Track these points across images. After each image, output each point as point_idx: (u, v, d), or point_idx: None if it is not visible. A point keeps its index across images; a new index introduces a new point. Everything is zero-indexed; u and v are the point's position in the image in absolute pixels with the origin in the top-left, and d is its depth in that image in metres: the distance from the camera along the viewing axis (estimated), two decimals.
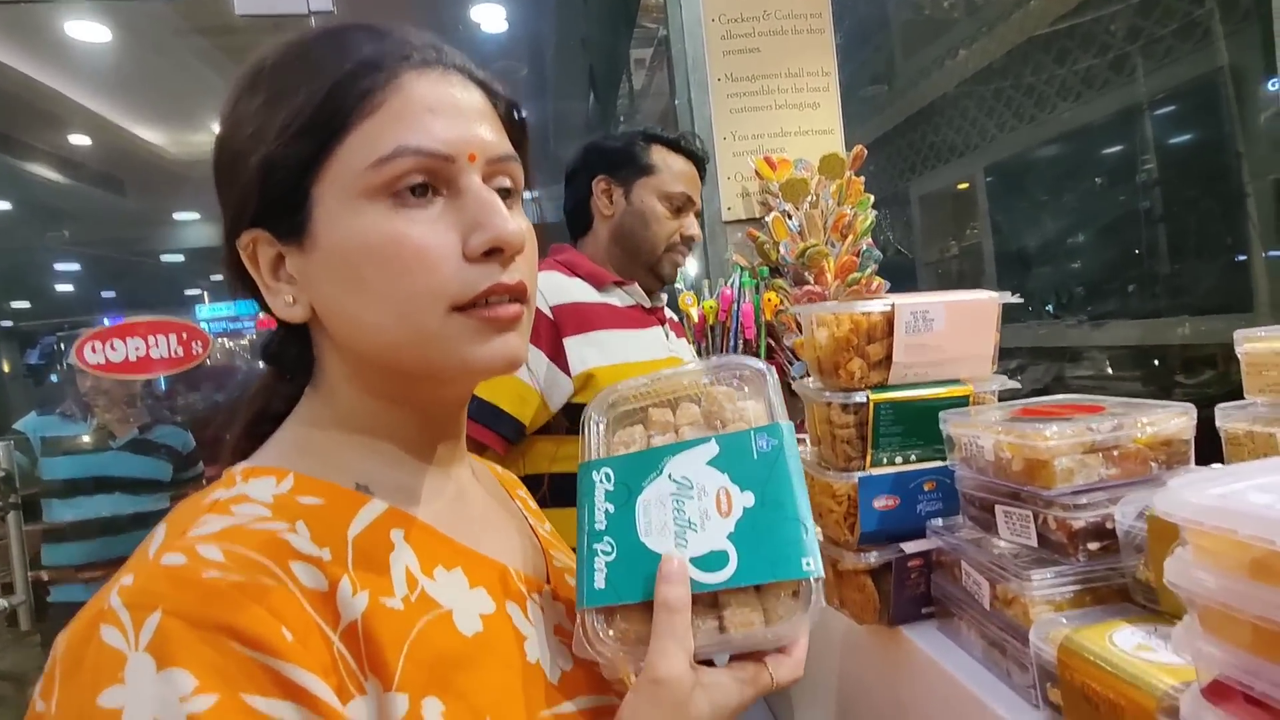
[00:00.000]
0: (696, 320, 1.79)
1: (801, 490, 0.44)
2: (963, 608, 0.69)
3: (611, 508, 0.47)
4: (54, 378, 3.51)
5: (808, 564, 0.42)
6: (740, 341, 1.76)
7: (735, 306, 1.76)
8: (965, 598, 0.68)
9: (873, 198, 1.84)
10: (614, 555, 0.45)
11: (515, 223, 0.44)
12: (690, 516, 0.44)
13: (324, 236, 0.43)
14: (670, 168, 1.30)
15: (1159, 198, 2.94)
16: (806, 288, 1.73)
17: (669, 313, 1.42)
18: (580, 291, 1.23)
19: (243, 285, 0.48)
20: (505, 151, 0.46)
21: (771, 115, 1.98)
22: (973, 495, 0.69)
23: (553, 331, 1.14)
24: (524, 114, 0.50)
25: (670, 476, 0.46)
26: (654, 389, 0.53)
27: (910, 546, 0.74)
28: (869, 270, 1.78)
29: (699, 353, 1.72)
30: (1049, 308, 3.38)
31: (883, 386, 0.75)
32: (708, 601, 0.43)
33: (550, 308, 1.15)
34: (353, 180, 0.42)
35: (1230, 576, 0.34)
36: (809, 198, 1.81)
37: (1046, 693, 0.55)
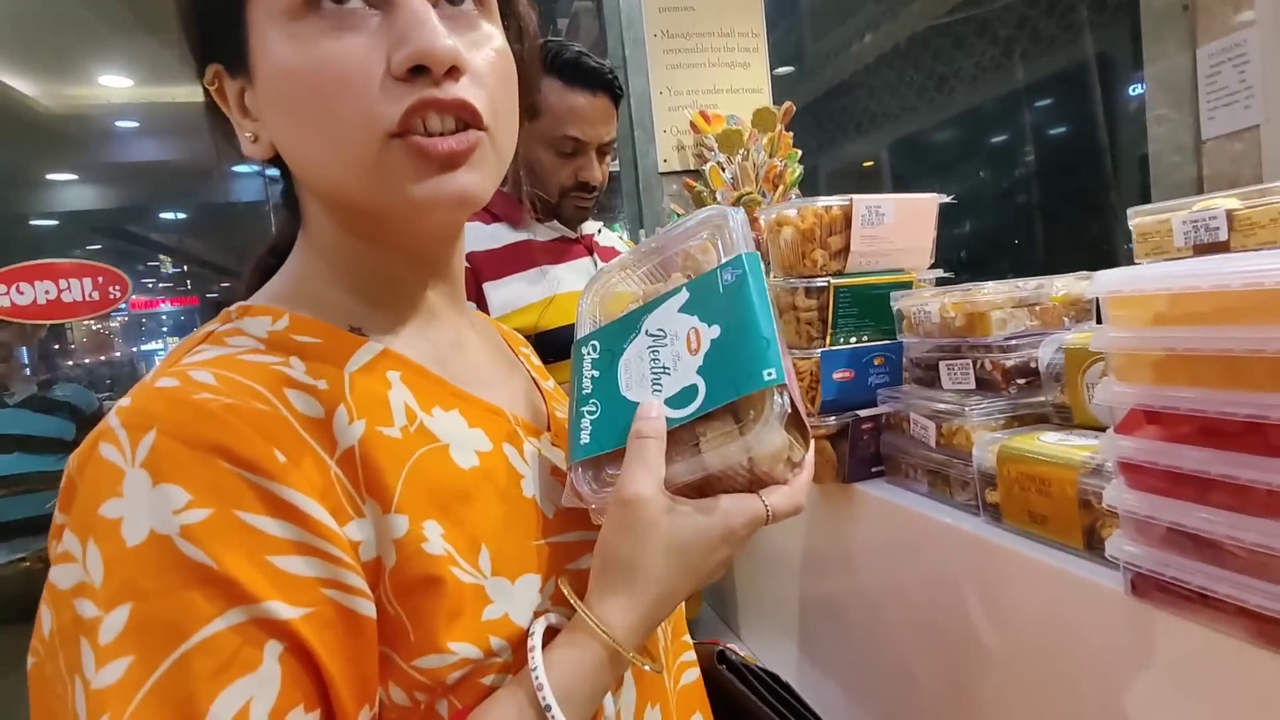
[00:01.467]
0: None
1: (764, 310, 0.44)
2: (910, 454, 0.81)
3: (597, 373, 0.48)
4: None
5: (769, 374, 0.41)
6: None
7: None
8: (912, 445, 0.80)
9: (800, 152, 1.98)
10: (598, 413, 0.46)
11: (444, 36, 0.39)
12: (664, 363, 0.45)
13: (260, 63, 0.41)
14: (560, 108, 1.16)
15: (1037, 177, 3.26)
16: (758, 213, 1.84)
17: (608, 239, 1.35)
18: (499, 235, 1.19)
19: (221, 133, 0.47)
20: None
21: (705, 72, 2.07)
22: (918, 359, 0.81)
23: (473, 279, 1.13)
24: None
25: (647, 332, 0.47)
26: (639, 261, 0.53)
27: (865, 411, 0.85)
28: None
29: None
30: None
31: (840, 274, 0.86)
32: (689, 438, 0.43)
33: (467, 255, 1.10)
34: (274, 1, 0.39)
35: (1138, 329, 0.46)
36: (742, 150, 1.92)
37: (985, 497, 0.68)
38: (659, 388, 0.44)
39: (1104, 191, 2.86)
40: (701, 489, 0.43)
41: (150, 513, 0.34)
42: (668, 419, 0.43)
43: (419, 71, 0.39)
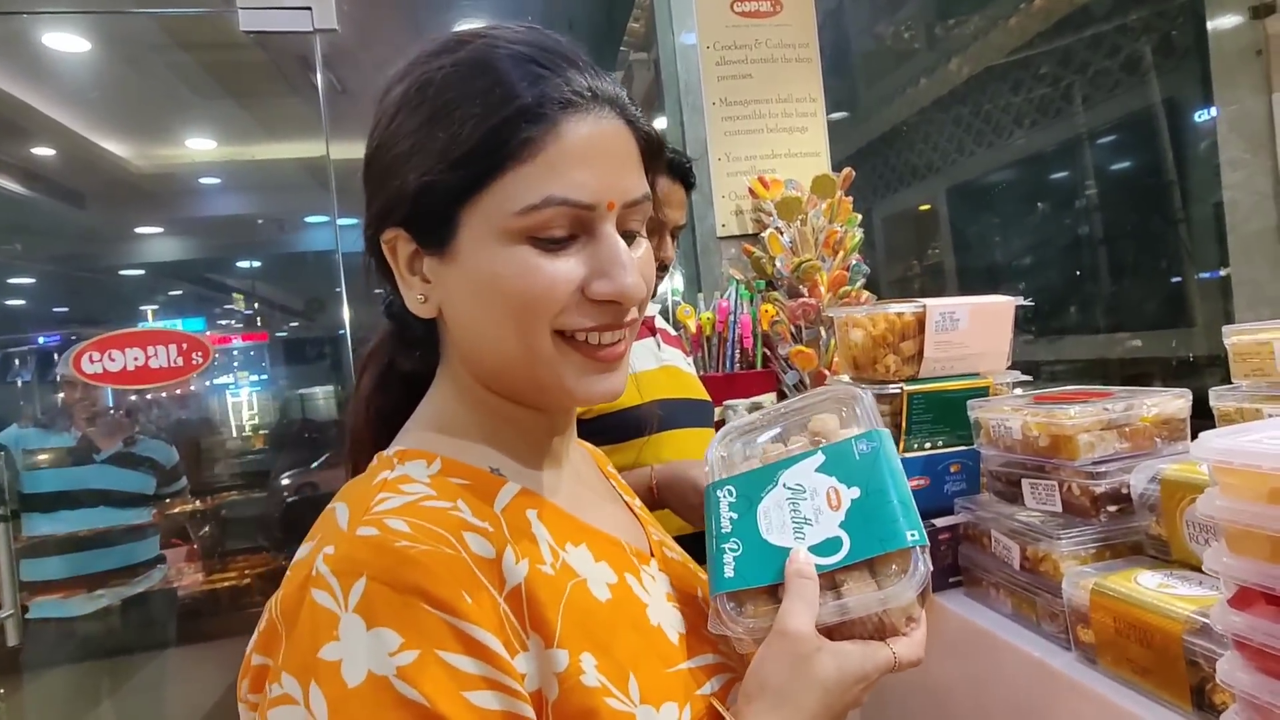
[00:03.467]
0: (694, 331, 1.88)
1: (900, 479, 0.50)
2: (991, 572, 0.78)
3: (735, 515, 0.53)
4: None
5: (912, 535, 0.46)
6: (738, 351, 1.85)
7: (733, 317, 1.85)
8: (994, 563, 0.77)
9: (860, 217, 1.97)
10: (740, 551, 0.51)
11: (636, 276, 0.46)
12: (805, 514, 0.50)
13: (466, 256, 0.46)
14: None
15: (1102, 221, 3.16)
16: (801, 300, 1.83)
17: (661, 322, 1.41)
18: None
19: (381, 272, 0.52)
20: (640, 194, 0.48)
21: (763, 138, 2.09)
22: (998, 472, 0.78)
23: None
24: (659, 140, 0.52)
25: (784, 485, 0.52)
26: (766, 423, 0.61)
27: (941, 521, 0.83)
28: (858, 284, 1.90)
29: (696, 363, 1.79)
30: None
31: (913, 379, 0.84)
32: (827, 584, 0.48)
33: None
34: (501, 219, 0.44)
35: (1252, 504, 0.44)
36: (801, 216, 1.92)
37: (1078, 634, 0.64)
38: (801, 536, 0.49)
39: (1174, 238, 2.76)
40: (831, 632, 0.48)
41: (367, 655, 0.37)
42: (815, 565, 0.48)
43: (610, 303, 0.47)
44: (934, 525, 0.83)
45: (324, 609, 0.38)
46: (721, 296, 1.92)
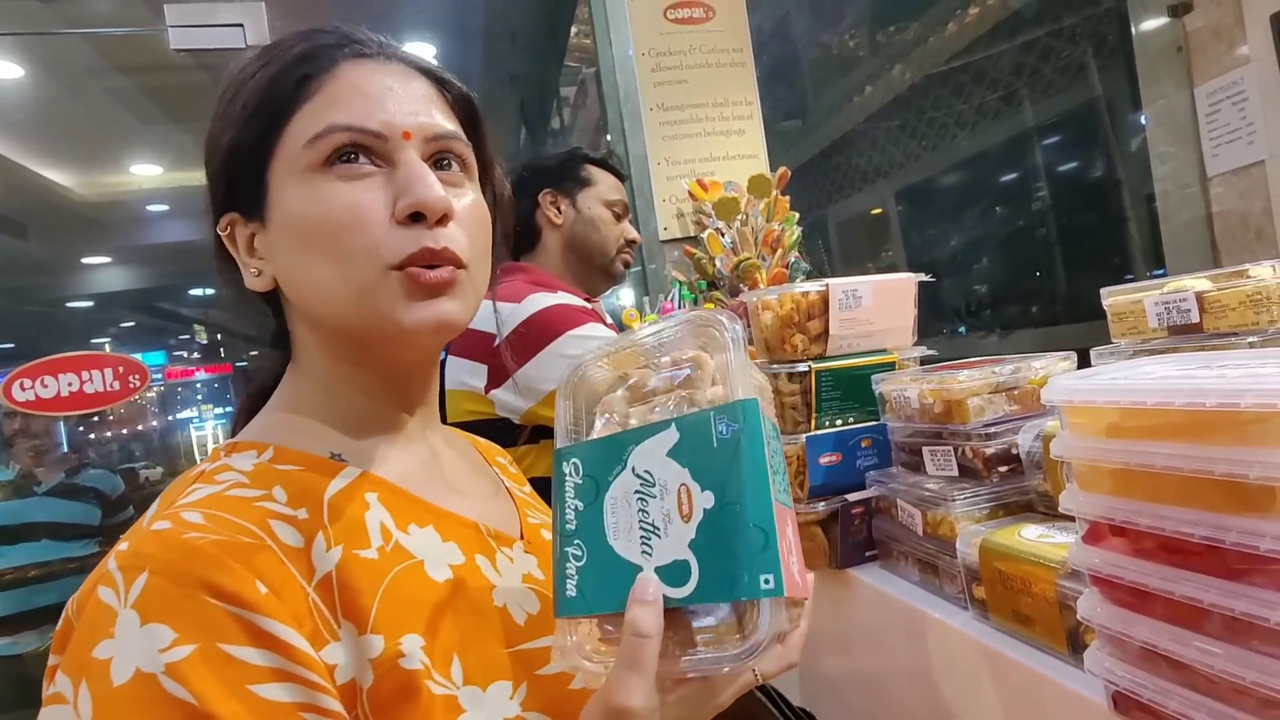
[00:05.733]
0: None
1: (760, 487, 0.39)
2: (900, 541, 0.79)
3: (580, 505, 0.45)
4: None
5: (766, 581, 0.37)
6: None
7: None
8: (902, 532, 0.78)
9: (798, 215, 2.00)
10: (584, 560, 0.43)
11: (438, 190, 0.46)
12: (654, 519, 0.41)
13: (277, 210, 0.47)
14: (605, 179, 1.43)
15: (1053, 219, 3.25)
16: (742, 298, 1.85)
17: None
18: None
19: (226, 270, 0.52)
20: (445, 130, 0.49)
21: (701, 142, 2.12)
22: (903, 443, 0.80)
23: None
24: (474, 98, 0.53)
25: (634, 471, 0.43)
26: (624, 354, 0.49)
27: (854, 496, 0.84)
28: (798, 280, 1.93)
29: None
30: (961, 329, 3.64)
31: (821, 358, 0.86)
32: (681, 625, 0.41)
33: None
34: (296, 157, 0.46)
35: (1093, 439, 0.45)
36: (740, 216, 1.95)
37: (972, 591, 0.66)
38: (648, 550, 0.41)
39: (1122, 234, 2.84)
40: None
41: (137, 652, 0.36)
42: (664, 596, 0.40)
43: (417, 218, 0.46)
44: (847, 500, 0.84)
45: (105, 605, 0.37)
46: (665, 299, 1.93)
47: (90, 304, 5.56)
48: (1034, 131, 3.24)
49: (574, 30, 3.37)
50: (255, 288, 0.50)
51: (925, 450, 0.75)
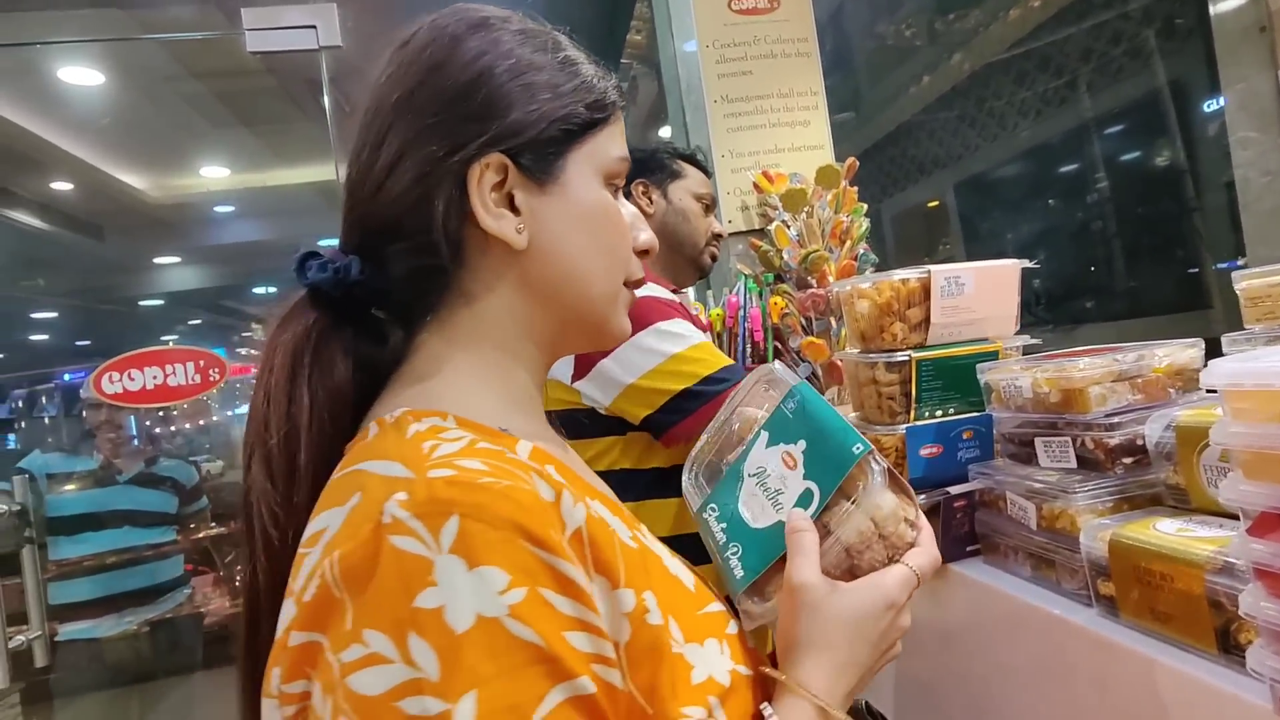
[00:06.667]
0: (704, 327, 1.88)
1: (830, 412, 0.53)
2: (1009, 536, 0.76)
3: (725, 524, 0.56)
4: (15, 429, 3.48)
5: (856, 448, 0.49)
6: (749, 345, 1.85)
7: (742, 312, 1.85)
8: (1011, 526, 0.76)
9: (865, 206, 1.96)
10: (741, 550, 0.53)
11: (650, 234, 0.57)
12: (774, 488, 0.53)
13: (573, 190, 0.51)
14: (693, 173, 1.44)
15: (1115, 210, 3.13)
16: (810, 290, 1.83)
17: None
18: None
19: (454, 200, 0.48)
20: None
21: (766, 133, 2.09)
22: (1011, 434, 0.77)
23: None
24: None
25: (748, 475, 0.56)
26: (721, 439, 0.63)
27: (956, 489, 0.82)
28: (866, 272, 1.89)
29: None
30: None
31: (922, 346, 0.84)
32: (821, 533, 0.50)
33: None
34: (603, 162, 0.52)
35: (1266, 425, 0.43)
36: (806, 208, 1.92)
37: (1098, 587, 0.63)
38: (780, 506, 0.52)
39: (1188, 225, 2.72)
40: (853, 573, 0.49)
41: (473, 596, 0.34)
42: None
43: (644, 254, 0.56)
44: (948, 493, 0.82)
45: (412, 555, 0.35)
46: (730, 292, 1.92)
47: (161, 302, 5.78)
48: (1100, 119, 3.12)
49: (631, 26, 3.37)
50: (513, 243, 0.49)
51: (1038, 441, 0.73)
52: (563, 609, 0.36)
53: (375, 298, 0.52)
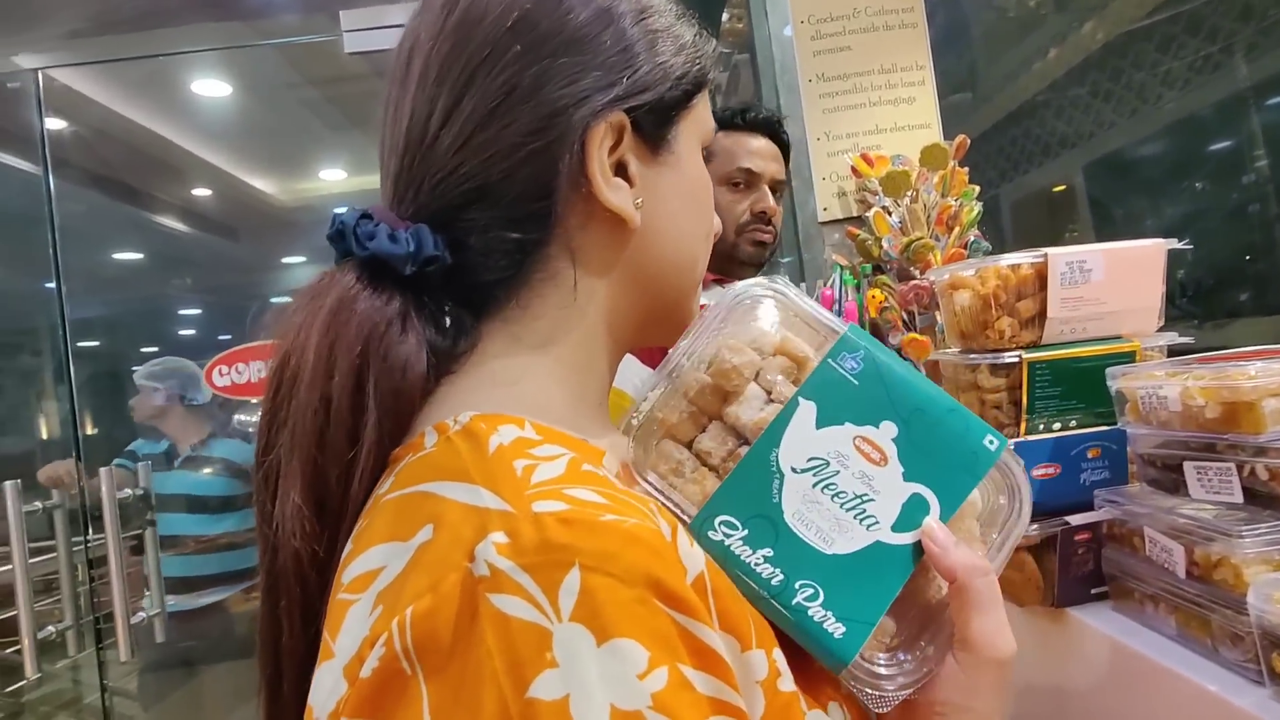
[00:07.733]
0: None
1: (920, 379, 0.39)
2: (1147, 582, 0.62)
3: (770, 552, 0.37)
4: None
5: (990, 443, 0.38)
6: None
7: (837, 307, 1.72)
8: (1150, 570, 0.61)
9: (977, 188, 1.77)
10: (820, 593, 0.36)
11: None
12: (855, 491, 0.37)
13: (684, 161, 0.45)
14: (732, 147, 1.30)
15: (1275, 190, 2.72)
16: (913, 283, 1.67)
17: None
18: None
19: (577, 163, 0.40)
20: None
21: (865, 113, 1.94)
22: (1152, 455, 0.63)
23: None
24: None
25: (794, 470, 0.37)
26: (662, 403, 0.41)
27: (1077, 519, 0.68)
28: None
29: None
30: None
31: (1036, 346, 0.70)
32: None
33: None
34: (704, 131, 0.47)
35: None
36: (910, 192, 1.75)
37: (1271, 663, 0.49)
38: (872, 519, 0.37)
39: None
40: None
41: (608, 685, 0.26)
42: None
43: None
44: (1067, 524, 0.68)
45: (521, 622, 0.26)
46: (824, 285, 1.78)
47: (288, 299, 6.19)
48: (1260, 87, 2.72)
49: (725, 16, 3.25)
50: (627, 217, 0.41)
51: (1189, 466, 0.58)
52: (703, 690, 0.28)
53: (450, 277, 0.41)
